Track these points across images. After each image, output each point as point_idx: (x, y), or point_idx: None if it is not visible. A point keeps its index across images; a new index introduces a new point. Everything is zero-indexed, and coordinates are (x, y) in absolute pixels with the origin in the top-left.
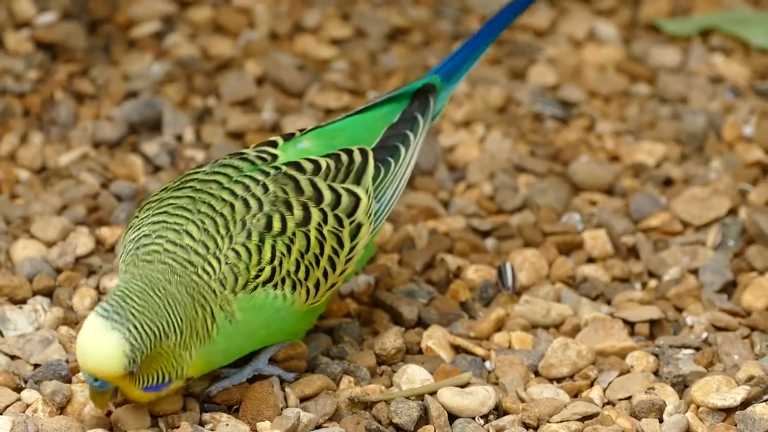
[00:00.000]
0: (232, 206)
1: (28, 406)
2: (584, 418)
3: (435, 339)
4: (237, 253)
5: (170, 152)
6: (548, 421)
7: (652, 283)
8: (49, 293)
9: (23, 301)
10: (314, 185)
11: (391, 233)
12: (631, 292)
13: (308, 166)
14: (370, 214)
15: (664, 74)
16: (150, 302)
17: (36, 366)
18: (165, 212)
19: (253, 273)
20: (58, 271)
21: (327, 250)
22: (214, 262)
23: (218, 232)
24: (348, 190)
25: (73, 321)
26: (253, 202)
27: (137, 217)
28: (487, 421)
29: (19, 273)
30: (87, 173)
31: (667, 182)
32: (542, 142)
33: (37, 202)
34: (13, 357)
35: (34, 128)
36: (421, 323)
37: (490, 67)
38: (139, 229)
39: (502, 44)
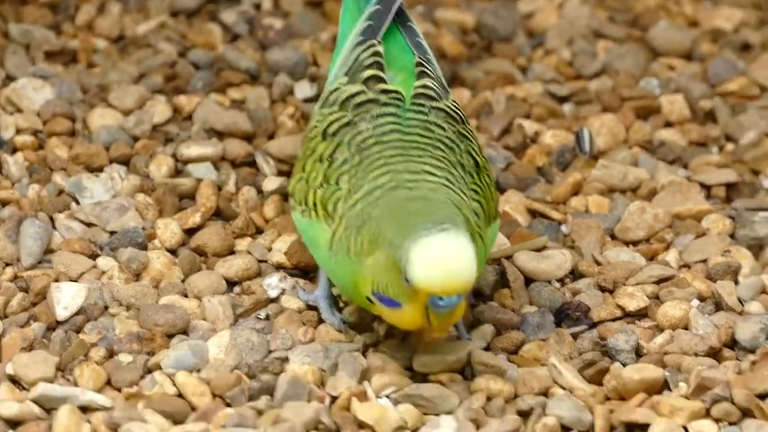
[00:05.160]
0: (441, 149)
1: (103, 272)
2: (660, 281)
3: (512, 203)
4: (474, 191)
5: (248, 20)
6: (624, 284)
7: (729, 146)
8: (125, 161)
9: (100, 169)
10: (450, 109)
11: (469, 99)
12: (707, 155)
13: (432, 93)
14: None
15: None
16: (447, 205)
17: (112, 233)
18: (384, 164)
19: (488, 209)
20: (135, 138)
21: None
22: (461, 194)
23: (450, 171)
24: (453, 103)
25: (150, 188)
26: (450, 143)
27: (339, 189)
28: (563, 285)
29: (96, 141)
30: (165, 42)
31: (745, 47)
32: (621, 8)
33: (115, 71)
34: (89, 224)
35: None
36: (498, 188)
37: None
38: (357, 191)
39: None
